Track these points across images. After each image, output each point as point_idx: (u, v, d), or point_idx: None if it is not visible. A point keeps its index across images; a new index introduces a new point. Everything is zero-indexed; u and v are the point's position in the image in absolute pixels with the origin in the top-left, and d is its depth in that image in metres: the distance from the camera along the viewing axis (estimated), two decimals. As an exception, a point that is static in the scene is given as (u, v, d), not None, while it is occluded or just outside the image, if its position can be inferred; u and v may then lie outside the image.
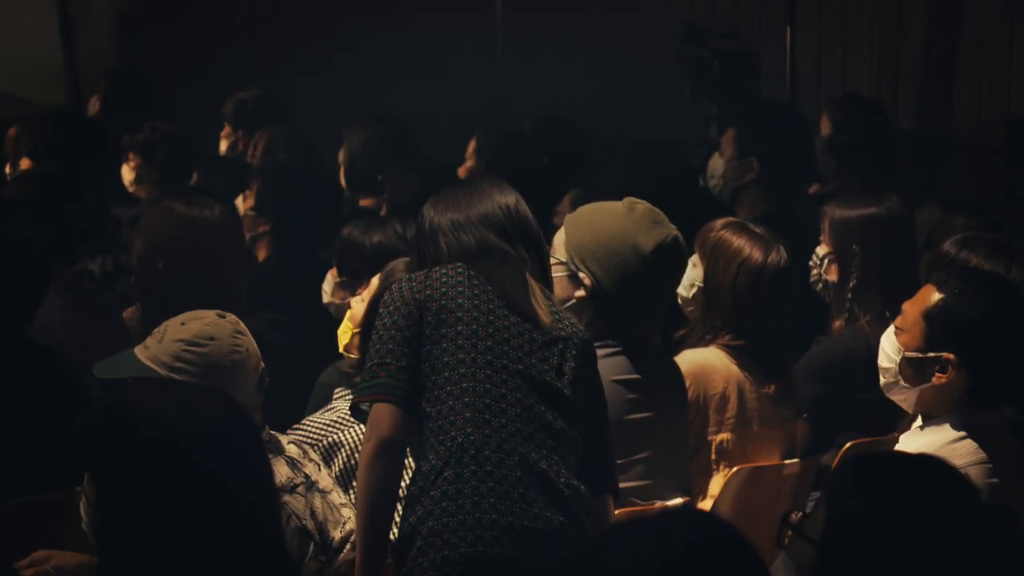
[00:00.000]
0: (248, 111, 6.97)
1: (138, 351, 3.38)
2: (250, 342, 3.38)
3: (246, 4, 9.45)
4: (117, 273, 4.88)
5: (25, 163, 5.56)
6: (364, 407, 3.22)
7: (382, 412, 3.16)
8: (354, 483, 3.60)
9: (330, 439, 3.66)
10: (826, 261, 4.50)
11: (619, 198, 3.76)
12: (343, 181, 6.10)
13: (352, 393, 3.31)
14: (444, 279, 3.24)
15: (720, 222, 4.09)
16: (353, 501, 3.49)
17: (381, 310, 3.26)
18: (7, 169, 5.82)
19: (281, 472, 3.30)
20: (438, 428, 3.16)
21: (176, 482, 2.38)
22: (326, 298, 4.64)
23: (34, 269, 3.85)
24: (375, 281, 3.84)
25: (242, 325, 3.41)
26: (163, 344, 3.34)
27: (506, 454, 3.14)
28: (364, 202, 5.90)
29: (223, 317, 3.39)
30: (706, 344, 3.99)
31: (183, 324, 3.37)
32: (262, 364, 3.39)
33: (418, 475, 3.18)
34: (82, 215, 4.75)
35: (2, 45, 8.86)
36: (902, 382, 3.54)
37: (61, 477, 3.32)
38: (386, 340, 3.21)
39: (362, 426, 3.61)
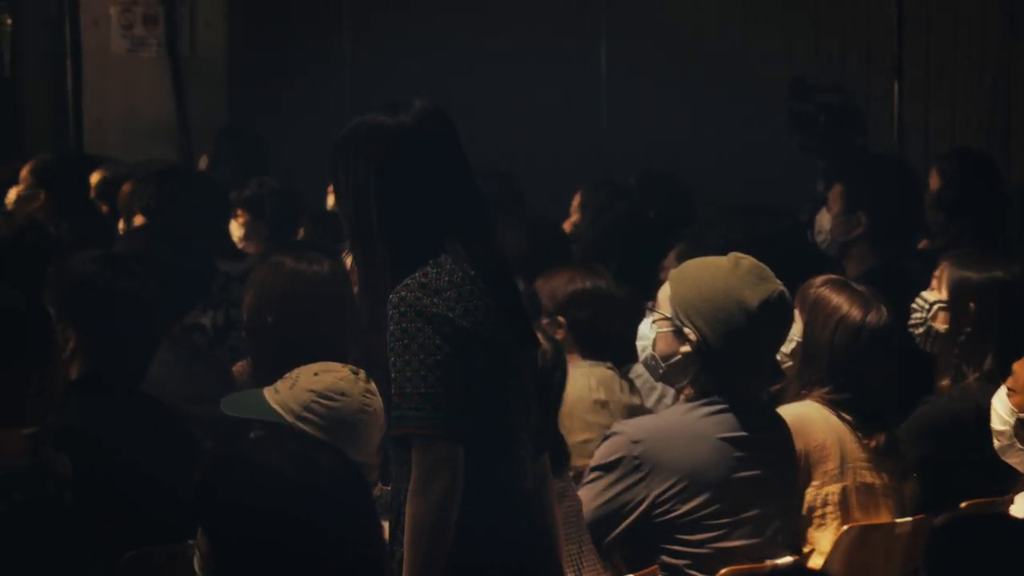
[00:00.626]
0: (355, 166, 7.01)
1: (267, 393, 3.40)
2: (378, 402, 3.36)
3: (353, 61, 9.59)
4: (228, 327, 4.94)
5: (139, 219, 5.64)
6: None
7: (457, 454, 3.02)
8: None
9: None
10: (935, 307, 4.42)
11: (725, 253, 3.75)
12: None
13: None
14: (474, 299, 3.06)
15: (821, 279, 4.05)
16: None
17: (419, 323, 3.00)
18: (120, 225, 5.92)
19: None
20: (478, 472, 3.06)
21: (288, 538, 2.40)
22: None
23: (147, 324, 3.91)
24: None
25: (372, 384, 3.39)
26: (294, 391, 3.35)
27: (536, 500, 3.19)
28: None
29: (356, 373, 3.39)
30: (802, 399, 3.96)
31: (316, 375, 3.37)
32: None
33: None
34: (192, 270, 4.82)
35: (118, 104, 9.06)
36: (1018, 444, 3.48)
37: (174, 531, 3.36)
38: (450, 370, 3.00)
39: None
